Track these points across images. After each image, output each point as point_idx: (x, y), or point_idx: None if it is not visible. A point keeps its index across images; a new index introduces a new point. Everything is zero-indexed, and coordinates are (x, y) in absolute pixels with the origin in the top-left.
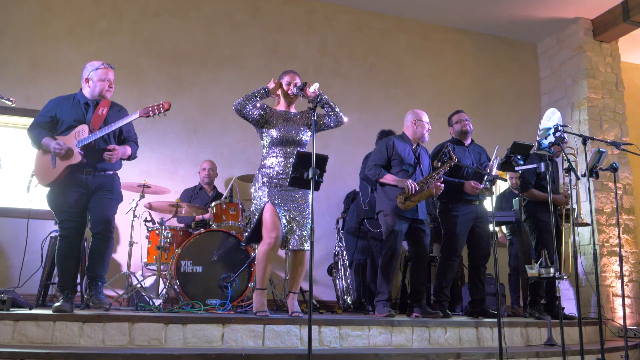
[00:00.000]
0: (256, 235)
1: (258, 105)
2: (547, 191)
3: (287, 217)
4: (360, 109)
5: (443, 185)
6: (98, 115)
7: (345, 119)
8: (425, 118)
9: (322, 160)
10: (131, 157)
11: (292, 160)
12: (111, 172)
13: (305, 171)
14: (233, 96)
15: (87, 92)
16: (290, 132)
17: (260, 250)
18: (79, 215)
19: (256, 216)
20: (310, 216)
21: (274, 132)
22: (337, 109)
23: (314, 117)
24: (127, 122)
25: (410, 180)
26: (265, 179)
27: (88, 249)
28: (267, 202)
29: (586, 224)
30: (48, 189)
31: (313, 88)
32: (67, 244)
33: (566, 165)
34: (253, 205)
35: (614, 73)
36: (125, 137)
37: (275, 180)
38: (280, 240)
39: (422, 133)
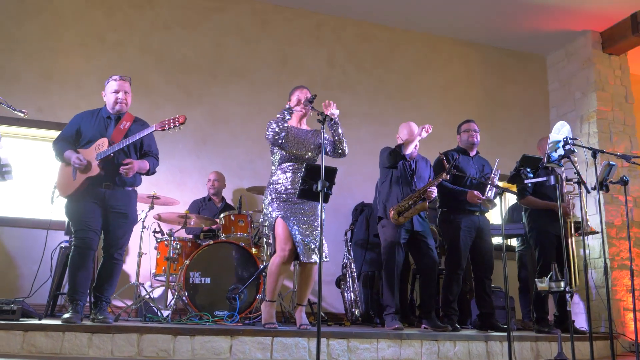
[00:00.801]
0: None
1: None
2: (545, 199)
3: (298, 230)
4: (368, 121)
5: (435, 190)
6: (120, 129)
7: (347, 152)
8: (405, 133)
9: (331, 173)
10: (149, 172)
11: (300, 175)
12: (130, 189)
13: (314, 183)
14: (242, 108)
15: (107, 106)
16: (300, 150)
17: (273, 262)
18: (93, 226)
19: (270, 233)
20: (319, 228)
21: (284, 151)
22: (344, 140)
23: (322, 129)
24: (144, 135)
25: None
26: (274, 195)
27: (98, 267)
28: (278, 216)
29: (595, 232)
30: (65, 200)
31: (331, 112)
32: (79, 254)
33: (576, 178)
34: (262, 217)
35: (624, 86)
36: (145, 151)
37: (284, 196)
38: (294, 253)
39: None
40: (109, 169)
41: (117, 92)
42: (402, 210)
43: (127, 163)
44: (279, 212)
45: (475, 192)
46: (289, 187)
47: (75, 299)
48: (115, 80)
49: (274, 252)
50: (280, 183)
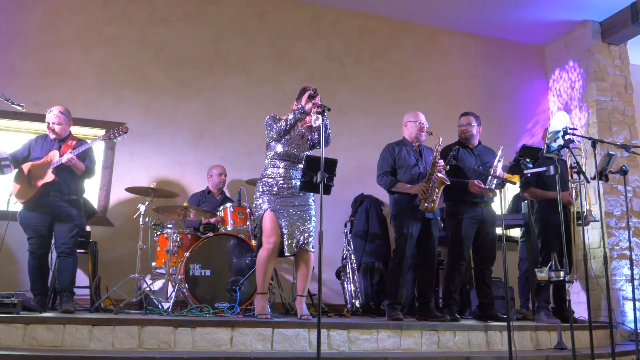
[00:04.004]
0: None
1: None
2: (549, 189)
3: (287, 223)
4: (366, 113)
5: (442, 161)
6: (67, 145)
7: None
8: (417, 118)
9: (331, 164)
10: (84, 173)
11: (292, 171)
12: (75, 197)
13: (315, 175)
14: (240, 101)
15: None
16: (293, 150)
17: (260, 256)
18: (42, 232)
19: (257, 225)
20: (314, 220)
21: (278, 147)
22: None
23: (322, 121)
24: (91, 145)
25: (420, 185)
26: (265, 188)
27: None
28: (267, 209)
29: (595, 220)
30: (21, 206)
31: (313, 120)
32: (33, 258)
33: (576, 168)
34: (255, 213)
35: (623, 75)
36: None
37: (275, 189)
38: (279, 246)
39: (415, 133)
40: (61, 176)
41: (48, 124)
42: (426, 197)
43: (71, 158)
44: (269, 205)
45: (476, 181)
46: (281, 181)
47: (36, 294)
48: (46, 114)
49: (260, 244)
50: (272, 177)
